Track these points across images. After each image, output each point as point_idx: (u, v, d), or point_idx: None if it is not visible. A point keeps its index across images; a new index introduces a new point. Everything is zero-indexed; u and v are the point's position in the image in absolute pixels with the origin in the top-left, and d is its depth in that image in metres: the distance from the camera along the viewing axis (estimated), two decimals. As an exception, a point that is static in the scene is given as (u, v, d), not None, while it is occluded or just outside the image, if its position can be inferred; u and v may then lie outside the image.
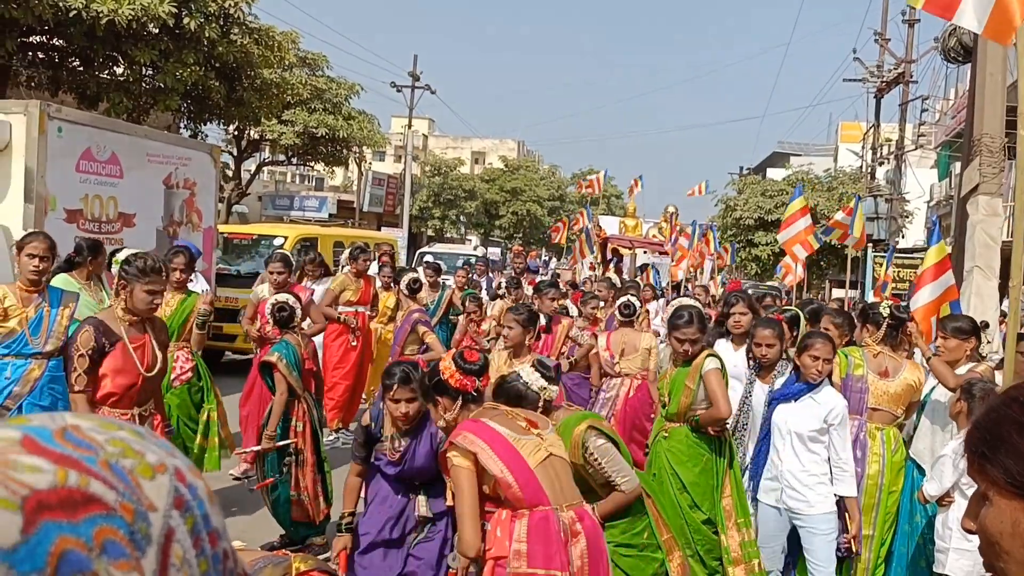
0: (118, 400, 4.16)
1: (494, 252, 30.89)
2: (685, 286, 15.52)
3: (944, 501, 4.28)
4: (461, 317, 8.76)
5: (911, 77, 23.36)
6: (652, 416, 6.02)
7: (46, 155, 6.88)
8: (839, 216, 14.24)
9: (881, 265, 14.94)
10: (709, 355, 4.66)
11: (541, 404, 3.48)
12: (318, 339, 7.06)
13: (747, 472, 4.77)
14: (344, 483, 4.17)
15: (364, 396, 8.42)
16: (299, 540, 5.43)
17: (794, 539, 4.46)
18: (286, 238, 12.05)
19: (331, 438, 7.94)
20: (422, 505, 3.87)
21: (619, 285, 10.85)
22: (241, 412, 7.06)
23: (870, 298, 14.94)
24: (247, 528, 5.74)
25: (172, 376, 5.54)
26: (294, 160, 27.47)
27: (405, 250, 26.38)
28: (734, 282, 15.67)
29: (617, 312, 7.26)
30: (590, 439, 3.49)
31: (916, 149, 25.62)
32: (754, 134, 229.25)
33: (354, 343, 8.15)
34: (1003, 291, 7.62)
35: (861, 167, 29.01)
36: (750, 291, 9.55)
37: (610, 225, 22.40)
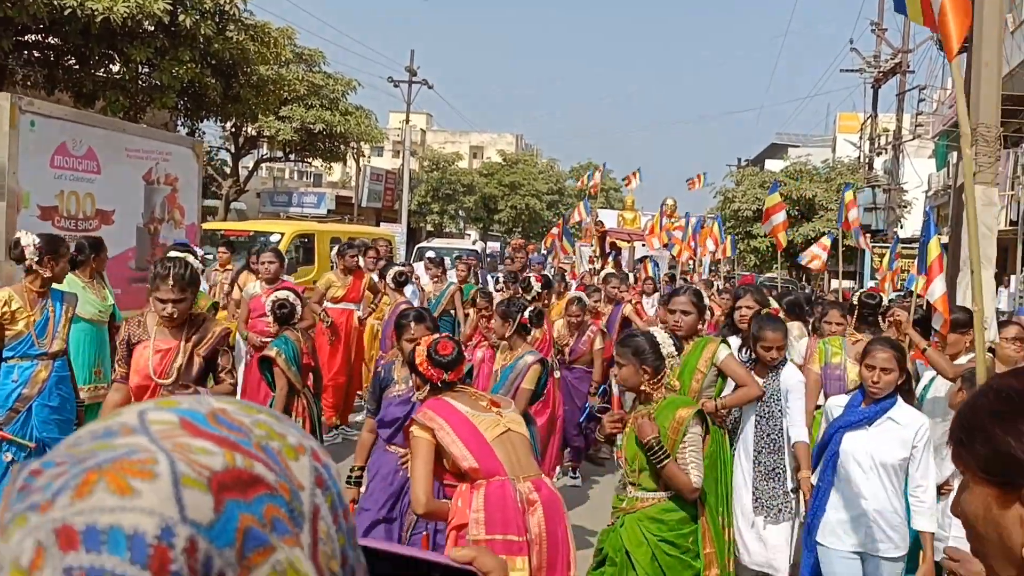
0: (139, 399, 4.05)
1: (493, 246, 30.89)
2: (682, 278, 15.50)
3: (943, 490, 4.30)
4: (471, 311, 8.71)
5: (908, 67, 23.38)
6: None
7: (18, 149, 6.60)
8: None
9: (883, 256, 14.87)
10: (722, 342, 4.82)
11: (665, 372, 3.68)
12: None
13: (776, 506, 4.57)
14: (358, 441, 4.43)
15: (360, 394, 8.41)
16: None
17: None
18: (283, 234, 12.06)
19: (331, 435, 7.97)
20: None
21: (628, 279, 10.88)
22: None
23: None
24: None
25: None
26: (292, 156, 27.46)
27: (404, 245, 26.38)
28: (746, 276, 15.54)
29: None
30: (693, 426, 3.58)
31: (914, 139, 25.62)
32: (752, 126, 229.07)
33: (332, 340, 8.12)
34: (999, 280, 7.63)
35: (859, 157, 29.01)
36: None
37: (608, 218, 22.38)
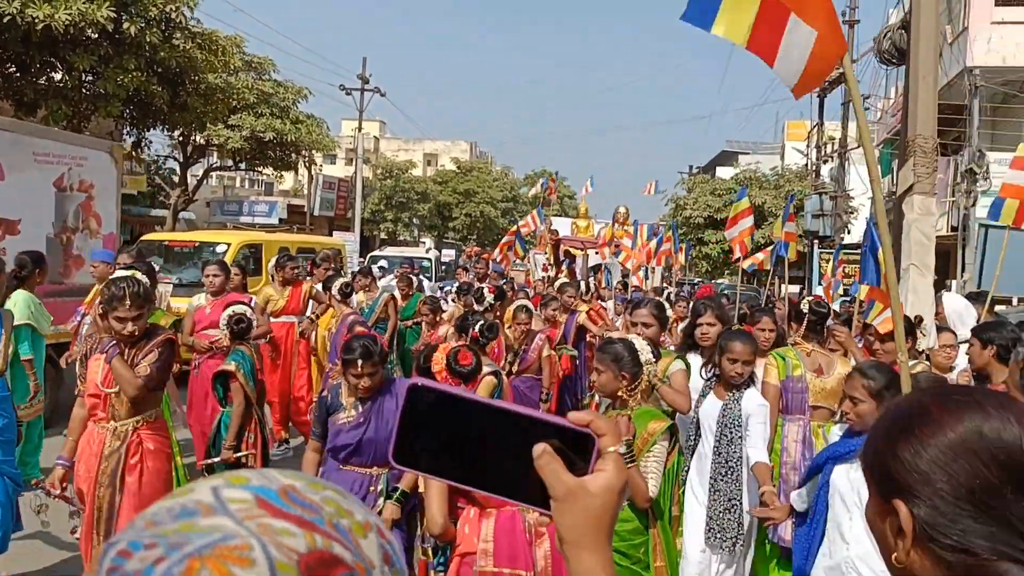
0: (94, 412, 4.14)
1: (448, 254, 30.81)
2: (634, 287, 15.63)
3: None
4: (424, 323, 8.68)
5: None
6: None
7: None
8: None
9: (828, 262, 15.14)
10: (677, 358, 4.84)
11: (642, 381, 3.64)
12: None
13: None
14: (302, 460, 4.21)
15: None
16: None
17: None
18: (229, 245, 11.72)
19: (281, 449, 7.88)
20: (387, 509, 3.88)
21: (585, 288, 10.88)
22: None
23: (821, 295, 15.18)
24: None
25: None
26: (242, 165, 27.12)
27: (357, 254, 26.19)
28: (705, 287, 15.47)
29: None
30: (661, 440, 3.60)
31: (859, 147, 26.17)
32: (703, 134, 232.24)
33: (273, 355, 7.89)
34: (938, 287, 7.84)
35: (807, 165, 29.57)
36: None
37: (562, 226, 22.51)
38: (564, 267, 18.29)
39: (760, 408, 4.41)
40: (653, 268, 18.78)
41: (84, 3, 11.55)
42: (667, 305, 5.52)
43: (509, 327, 7.78)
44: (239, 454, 5.13)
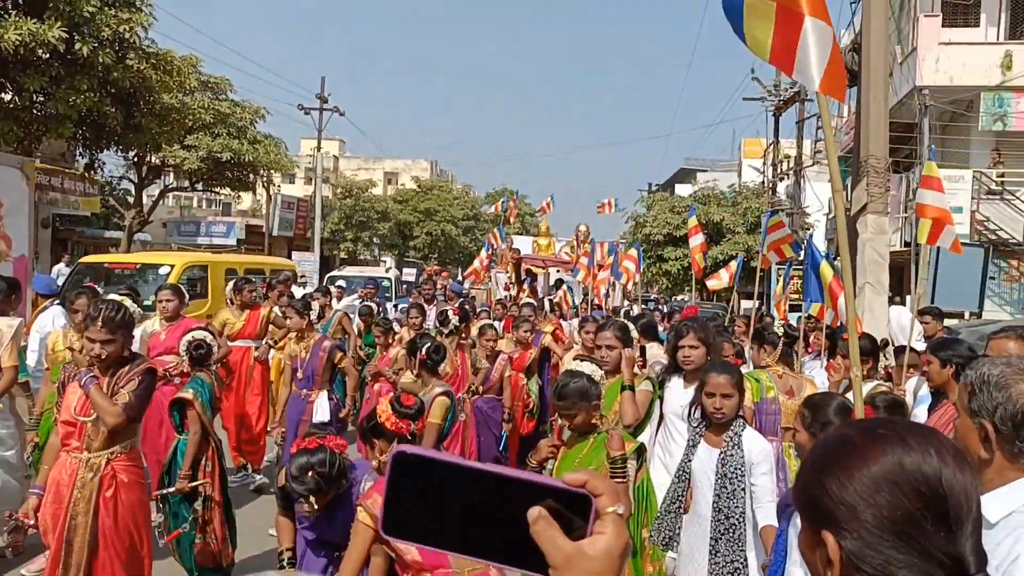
0: (67, 441, 4.06)
1: (409, 273, 30.63)
2: (595, 306, 15.65)
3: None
4: (378, 345, 8.59)
5: (806, 95, 24.30)
6: None
7: None
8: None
9: (781, 279, 15.27)
10: (647, 378, 4.89)
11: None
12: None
13: None
14: (275, 524, 3.98)
15: (268, 429, 8.09)
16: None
17: None
18: (172, 267, 11.33)
19: (239, 476, 7.73)
20: None
21: (544, 308, 10.89)
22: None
23: (774, 312, 15.33)
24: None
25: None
26: (199, 186, 26.79)
27: (316, 274, 25.95)
28: (690, 307, 15.33)
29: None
30: (629, 460, 3.62)
31: (813, 165, 26.63)
32: (662, 151, 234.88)
33: (228, 381, 7.68)
34: (893, 300, 7.97)
35: (763, 182, 30.01)
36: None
37: (523, 244, 22.53)
38: (526, 286, 18.28)
39: (766, 455, 3.86)
40: (613, 285, 18.86)
41: (35, 23, 11.36)
42: (631, 326, 5.46)
43: (474, 347, 7.74)
44: (194, 483, 5.02)
